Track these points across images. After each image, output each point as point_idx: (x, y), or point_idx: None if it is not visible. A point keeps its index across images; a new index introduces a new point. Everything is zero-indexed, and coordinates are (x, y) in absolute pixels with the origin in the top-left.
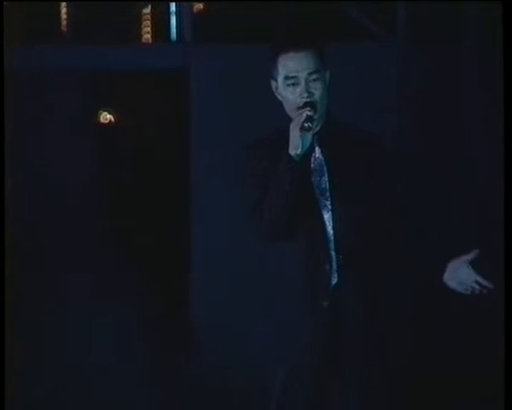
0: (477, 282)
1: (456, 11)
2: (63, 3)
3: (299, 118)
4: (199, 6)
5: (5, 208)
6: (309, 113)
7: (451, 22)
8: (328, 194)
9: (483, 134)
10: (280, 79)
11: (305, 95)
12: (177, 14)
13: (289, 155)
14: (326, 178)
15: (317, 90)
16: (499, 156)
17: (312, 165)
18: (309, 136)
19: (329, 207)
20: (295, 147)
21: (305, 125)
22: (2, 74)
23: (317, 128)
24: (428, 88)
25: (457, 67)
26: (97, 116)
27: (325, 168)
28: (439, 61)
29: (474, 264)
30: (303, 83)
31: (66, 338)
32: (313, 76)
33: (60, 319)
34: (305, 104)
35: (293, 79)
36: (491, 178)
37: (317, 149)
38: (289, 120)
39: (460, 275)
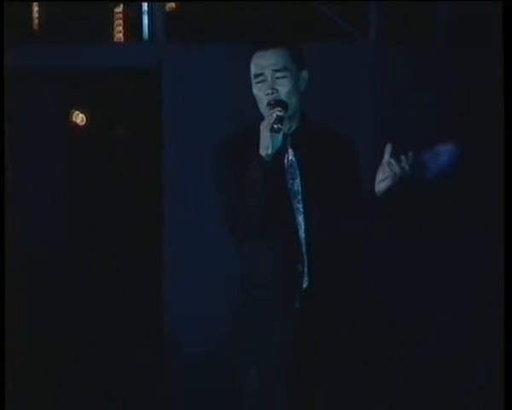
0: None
1: (428, 11)
2: (34, 3)
3: (269, 118)
4: (171, 5)
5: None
6: (279, 113)
7: (424, 22)
8: (300, 197)
9: (457, 131)
10: (252, 77)
11: (270, 91)
12: (150, 13)
13: (260, 156)
14: (298, 180)
15: (283, 88)
16: (474, 152)
17: (285, 167)
18: (279, 136)
19: (301, 210)
20: (265, 148)
21: (275, 126)
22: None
23: (292, 129)
24: (402, 87)
25: (430, 66)
26: (70, 115)
27: (298, 171)
28: (412, 61)
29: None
30: (269, 79)
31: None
32: (279, 73)
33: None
34: (276, 103)
35: (261, 77)
36: (469, 175)
37: (290, 151)
38: (262, 117)
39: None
